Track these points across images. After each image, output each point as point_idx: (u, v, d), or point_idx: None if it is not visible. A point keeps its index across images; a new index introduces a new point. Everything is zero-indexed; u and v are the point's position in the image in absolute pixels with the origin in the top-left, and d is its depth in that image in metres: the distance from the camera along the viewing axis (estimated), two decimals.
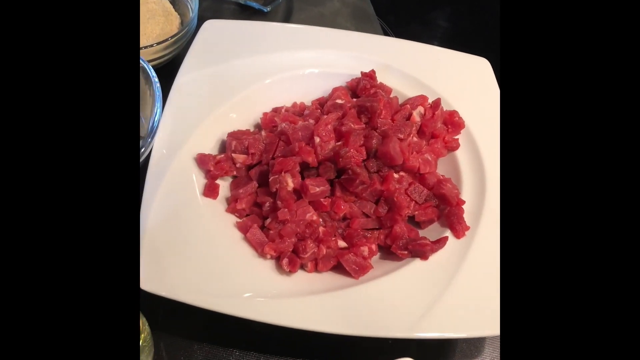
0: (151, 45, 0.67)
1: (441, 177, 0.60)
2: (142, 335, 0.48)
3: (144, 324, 0.49)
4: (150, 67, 0.59)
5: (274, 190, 0.56)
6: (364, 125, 0.59)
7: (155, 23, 0.73)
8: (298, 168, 0.56)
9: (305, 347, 0.54)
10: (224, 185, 0.59)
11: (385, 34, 0.98)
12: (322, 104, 0.66)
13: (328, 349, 0.55)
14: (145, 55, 0.68)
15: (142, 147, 0.55)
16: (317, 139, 0.57)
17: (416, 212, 0.58)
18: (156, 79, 0.58)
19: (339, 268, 0.55)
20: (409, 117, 0.62)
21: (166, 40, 0.69)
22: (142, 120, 0.63)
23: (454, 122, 0.64)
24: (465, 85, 0.69)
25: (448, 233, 0.57)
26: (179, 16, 0.76)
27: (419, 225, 0.60)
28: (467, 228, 0.57)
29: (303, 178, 0.57)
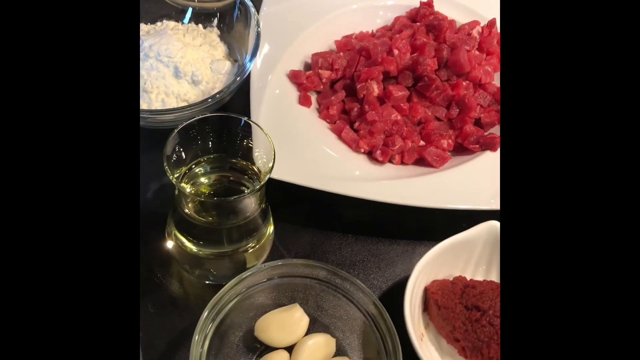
0: None
1: (499, 86, 0.69)
2: (270, 216, 0.56)
3: (270, 218, 0.57)
4: (250, 2, 0.66)
5: (362, 96, 0.64)
6: (433, 40, 0.68)
7: None
8: (381, 76, 0.65)
9: (392, 231, 0.63)
10: (312, 100, 0.68)
11: None
12: (389, 30, 0.74)
13: (412, 231, 0.63)
14: None
15: (246, 66, 0.63)
16: (395, 51, 0.65)
17: (482, 115, 0.67)
18: (253, 9, 0.66)
19: (420, 163, 0.64)
20: (469, 35, 0.71)
21: None
22: (235, 49, 0.71)
23: None
24: None
25: None
26: None
27: (483, 128, 0.68)
28: None
29: (384, 88, 0.66)
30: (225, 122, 0.49)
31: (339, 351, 0.53)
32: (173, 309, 0.55)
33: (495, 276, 0.57)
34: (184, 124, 0.47)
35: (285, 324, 0.52)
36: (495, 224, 0.56)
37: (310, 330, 0.53)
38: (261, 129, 0.48)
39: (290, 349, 0.52)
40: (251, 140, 0.51)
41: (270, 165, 0.48)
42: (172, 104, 0.64)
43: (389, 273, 0.61)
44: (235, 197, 0.46)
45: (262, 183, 0.47)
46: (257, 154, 0.52)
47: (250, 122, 0.49)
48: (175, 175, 0.48)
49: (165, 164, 0.45)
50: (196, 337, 0.47)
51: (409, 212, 0.62)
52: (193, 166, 0.51)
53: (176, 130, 0.46)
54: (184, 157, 0.49)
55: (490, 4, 0.77)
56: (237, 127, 0.50)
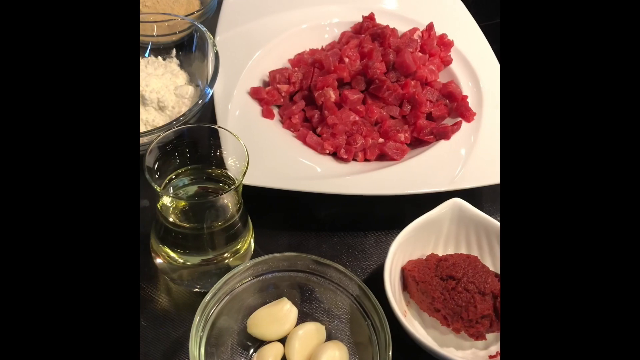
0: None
1: (445, 82, 0.75)
2: (249, 222, 0.59)
3: (250, 225, 0.60)
4: (205, 29, 0.71)
5: (320, 103, 0.69)
6: (379, 47, 0.74)
7: (180, 5, 0.86)
8: (336, 83, 0.70)
9: (363, 224, 0.67)
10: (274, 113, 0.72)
11: None
12: (337, 44, 0.79)
13: (382, 222, 0.67)
14: (176, 27, 0.79)
15: (207, 88, 0.67)
16: (346, 59, 0.71)
17: (432, 110, 0.72)
18: (209, 35, 0.71)
19: (382, 158, 0.69)
20: (410, 39, 0.77)
21: (192, 13, 0.81)
22: (195, 75, 0.75)
23: (444, 43, 0.79)
24: (443, 14, 0.85)
25: None
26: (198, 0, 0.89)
27: (434, 121, 0.74)
28: (474, 113, 0.72)
29: (340, 94, 0.70)
30: (199, 133, 0.53)
31: (330, 337, 0.55)
32: (165, 320, 0.57)
33: (464, 250, 0.62)
34: (161, 136, 0.50)
35: (275, 317, 0.54)
36: (458, 201, 0.60)
37: (300, 321, 0.55)
38: (232, 133, 0.52)
39: (283, 341, 0.54)
40: (224, 150, 0.54)
41: (245, 163, 0.51)
42: (142, 130, 0.67)
43: (366, 262, 0.64)
44: (215, 195, 0.49)
45: (240, 180, 0.50)
46: (230, 161, 0.55)
47: (221, 129, 0.53)
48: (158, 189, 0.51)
49: (147, 175, 0.48)
50: (192, 341, 0.49)
51: (377, 204, 0.67)
52: (173, 177, 0.54)
53: (154, 143, 0.49)
54: (164, 170, 0.52)
55: (425, 12, 0.84)
56: (210, 138, 0.53)
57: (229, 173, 0.55)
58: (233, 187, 0.51)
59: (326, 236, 0.66)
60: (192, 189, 0.56)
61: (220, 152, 0.54)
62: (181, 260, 0.55)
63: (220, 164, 0.55)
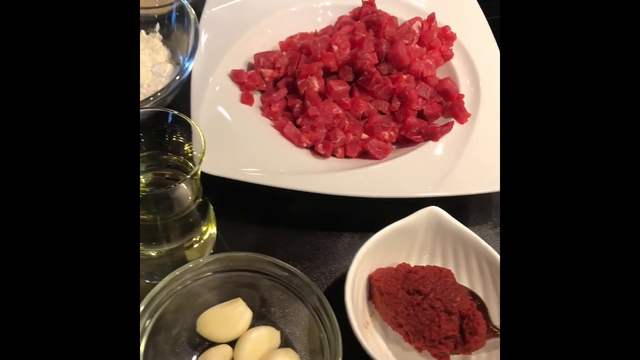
0: None
1: (441, 79, 0.70)
2: (211, 212, 0.56)
3: (211, 215, 0.57)
4: (187, 3, 0.67)
5: (303, 92, 0.65)
6: (373, 36, 0.69)
7: None
8: (322, 72, 0.65)
9: (338, 224, 0.63)
10: (255, 98, 0.68)
11: None
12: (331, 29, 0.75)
13: (358, 223, 0.63)
14: None
15: (185, 67, 0.64)
16: (335, 47, 0.66)
17: (424, 107, 0.68)
18: (191, 12, 0.67)
19: (364, 156, 0.64)
20: (408, 30, 0.72)
21: None
22: (177, 52, 0.71)
23: (447, 35, 0.74)
24: (451, 5, 0.79)
25: None
26: None
27: (426, 120, 0.69)
28: (469, 115, 0.67)
29: (325, 84, 0.66)
30: (153, 117, 0.49)
31: (285, 343, 0.52)
32: None
33: (439, 262, 0.58)
34: None
35: (227, 318, 0.51)
36: (435, 210, 0.56)
37: (254, 324, 0.52)
38: (186, 118, 0.49)
39: (233, 343, 0.51)
40: (181, 136, 0.50)
41: (202, 151, 0.47)
42: None
43: (335, 265, 0.61)
44: (168, 186, 0.46)
45: (194, 170, 0.47)
46: (187, 148, 0.52)
47: (177, 115, 0.49)
48: None
49: None
50: None
51: (354, 204, 0.62)
52: None
53: None
54: None
55: (432, 2, 0.79)
56: (165, 122, 0.50)
57: (187, 160, 0.52)
58: (188, 176, 0.47)
59: (296, 234, 0.62)
60: (148, 176, 0.53)
61: (177, 138, 0.50)
62: None
63: (178, 150, 0.52)
